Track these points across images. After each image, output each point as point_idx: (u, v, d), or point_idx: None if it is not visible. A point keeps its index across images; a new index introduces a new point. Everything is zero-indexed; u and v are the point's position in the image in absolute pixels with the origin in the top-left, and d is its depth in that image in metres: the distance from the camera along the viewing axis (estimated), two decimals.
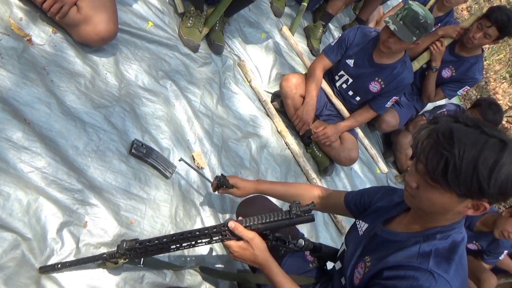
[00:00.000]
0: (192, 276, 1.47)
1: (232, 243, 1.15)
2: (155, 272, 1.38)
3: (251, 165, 2.05)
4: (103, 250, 1.29)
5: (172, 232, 1.44)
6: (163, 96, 1.83)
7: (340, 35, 2.41)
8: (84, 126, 1.46)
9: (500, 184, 0.90)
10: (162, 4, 2.11)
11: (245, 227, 1.14)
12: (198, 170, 1.66)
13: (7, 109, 1.27)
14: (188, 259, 1.53)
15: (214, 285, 1.51)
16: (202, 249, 1.57)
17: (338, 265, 1.31)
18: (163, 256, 1.43)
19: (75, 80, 1.54)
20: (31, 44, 1.47)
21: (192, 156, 1.79)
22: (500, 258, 2.71)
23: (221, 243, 1.20)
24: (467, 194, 0.93)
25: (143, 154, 1.58)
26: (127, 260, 1.20)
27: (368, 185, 2.78)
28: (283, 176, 2.21)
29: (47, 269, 1.16)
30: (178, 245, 1.19)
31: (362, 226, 1.25)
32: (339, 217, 2.39)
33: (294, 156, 2.38)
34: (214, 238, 1.17)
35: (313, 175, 2.38)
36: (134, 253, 1.18)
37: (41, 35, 1.52)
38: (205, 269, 1.44)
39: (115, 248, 1.20)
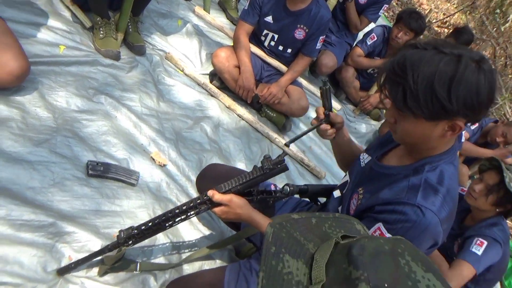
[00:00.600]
0: (190, 265, 1.50)
1: (217, 210, 1.20)
2: (154, 273, 1.41)
3: (211, 146, 2.08)
4: (96, 268, 1.30)
5: None
6: (101, 112, 1.82)
7: None
8: (32, 165, 1.44)
9: (463, 99, 0.89)
10: (67, 25, 2.06)
11: (225, 191, 1.19)
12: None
13: None
14: (182, 252, 1.56)
15: (213, 265, 1.56)
16: (190, 236, 1.60)
17: (337, 193, 1.36)
18: (158, 258, 1.46)
19: (6, 126, 1.50)
20: None
21: (151, 157, 1.80)
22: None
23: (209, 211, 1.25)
24: (434, 116, 0.93)
25: (102, 171, 1.58)
26: (129, 246, 1.27)
27: None
28: (246, 145, 2.26)
29: (64, 270, 1.24)
30: (172, 222, 1.25)
31: (365, 158, 1.28)
32: (312, 163, 2.47)
33: (250, 125, 2.42)
34: (201, 209, 1.22)
35: (274, 135, 2.44)
36: (133, 238, 1.25)
37: None
38: (211, 246, 1.46)
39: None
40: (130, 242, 1.28)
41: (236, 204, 1.19)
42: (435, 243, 1.04)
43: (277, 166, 1.19)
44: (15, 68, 1.53)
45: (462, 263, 1.72)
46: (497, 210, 1.82)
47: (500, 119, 3.62)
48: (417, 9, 6.71)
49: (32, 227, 1.27)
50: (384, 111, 2.54)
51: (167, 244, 1.52)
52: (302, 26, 2.43)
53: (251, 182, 1.20)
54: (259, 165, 1.20)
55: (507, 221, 1.99)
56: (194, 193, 1.78)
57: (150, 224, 1.26)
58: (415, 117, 0.96)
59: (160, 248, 1.50)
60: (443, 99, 0.90)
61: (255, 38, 2.59)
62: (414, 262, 0.55)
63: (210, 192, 1.19)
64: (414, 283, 0.53)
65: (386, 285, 0.52)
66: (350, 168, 1.36)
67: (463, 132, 2.82)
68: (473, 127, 3.18)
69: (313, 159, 2.60)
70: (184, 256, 1.51)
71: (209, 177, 1.54)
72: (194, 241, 1.60)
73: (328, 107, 1.34)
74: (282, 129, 2.56)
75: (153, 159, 1.79)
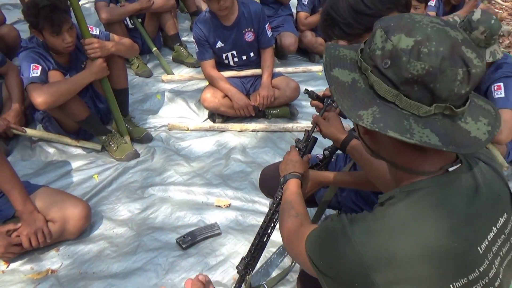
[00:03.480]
0: None
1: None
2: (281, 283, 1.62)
3: (251, 167, 2.29)
4: None
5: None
6: (157, 200, 2.07)
7: (193, 38, 2.67)
8: (143, 269, 1.70)
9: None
10: (86, 159, 2.35)
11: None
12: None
13: None
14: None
15: None
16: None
17: None
18: (274, 271, 1.68)
19: (104, 257, 1.76)
20: None
21: (216, 205, 2.03)
22: None
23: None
24: (366, 30, 1.13)
25: (191, 239, 1.82)
26: (251, 274, 1.51)
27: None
28: (275, 148, 2.46)
29: None
30: (267, 235, 1.48)
31: None
32: None
33: (266, 131, 2.63)
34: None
35: (289, 125, 2.65)
36: (249, 265, 1.49)
37: None
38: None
39: None
40: (249, 269, 1.50)
41: (307, 173, 1.37)
42: None
43: (308, 141, 1.42)
44: (81, 212, 1.80)
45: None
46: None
47: None
48: None
49: None
50: None
51: (277, 259, 1.73)
52: (246, 29, 2.65)
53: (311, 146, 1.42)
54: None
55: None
56: (265, 207, 2.00)
57: (253, 247, 1.48)
58: (367, 33, 1.12)
59: (269, 263, 1.71)
60: (366, 10, 1.12)
61: (221, 65, 2.82)
62: None
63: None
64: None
65: (391, 24, 0.68)
66: None
67: (429, 13, 2.99)
68: (432, 4, 3.32)
69: None
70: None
71: (269, 178, 1.73)
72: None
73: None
74: (292, 116, 2.77)
75: (219, 206, 2.03)
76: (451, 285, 0.69)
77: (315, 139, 1.43)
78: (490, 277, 0.73)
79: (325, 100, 1.45)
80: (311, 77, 3.23)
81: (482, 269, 0.71)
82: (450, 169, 0.74)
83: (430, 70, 0.64)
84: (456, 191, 0.72)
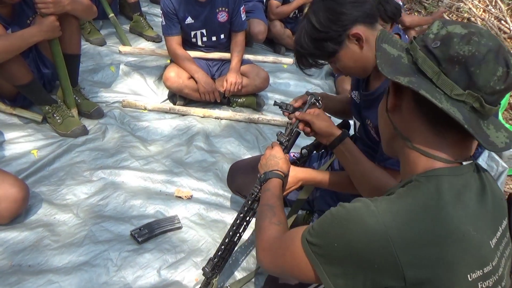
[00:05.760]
0: None
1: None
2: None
3: (215, 156, 2.13)
4: None
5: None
6: (108, 185, 1.83)
7: (161, 10, 2.43)
8: (90, 263, 1.47)
9: (327, 18, 1.14)
10: (23, 130, 2.03)
11: None
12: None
13: None
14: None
15: None
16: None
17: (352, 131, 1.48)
18: (240, 273, 1.55)
19: (42, 247, 1.51)
20: None
21: (176, 196, 1.85)
22: None
23: None
24: (336, 43, 1.15)
25: (148, 233, 1.62)
26: (217, 277, 1.38)
27: (292, 83, 2.98)
28: (240, 138, 2.32)
29: None
30: (238, 234, 1.35)
31: (356, 95, 1.39)
32: None
33: (230, 120, 2.48)
34: (255, 207, 1.30)
35: (255, 116, 2.51)
36: (217, 267, 1.36)
37: None
38: None
39: None
40: (216, 271, 1.37)
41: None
42: None
43: (291, 135, 1.31)
44: (17, 193, 1.52)
45: None
46: None
47: None
48: None
49: None
50: None
51: (240, 257, 1.61)
52: (220, 8, 2.47)
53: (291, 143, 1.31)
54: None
55: None
56: (230, 202, 1.86)
57: (222, 247, 1.34)
58: (334, 56, 1.19)
59: (234, 264, 1.58)
60: (322, 35, 1.15)
61: (187, 43, 2.61)
62: None
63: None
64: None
65: (449, 21, 0.72)
66: (352, 111, 1.48)
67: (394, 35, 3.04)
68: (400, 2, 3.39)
69: None
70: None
71: (239, 174, 1.62)
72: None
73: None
74: (258, 107, 2.64)
75: (179, 197, 1.85)
76: (468, 275, 0.68)
77: (298, 133, 1.33)
78: (499, 274, 0.73)
79: (308, 98, 1.37)
80: (277, 68, 3.12)
81: (494, 263, 0.72)
82: (465, 163, 0.76)
83: (476, 54, 0.67)
84: (470, 185, 0.74)
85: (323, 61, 1.25)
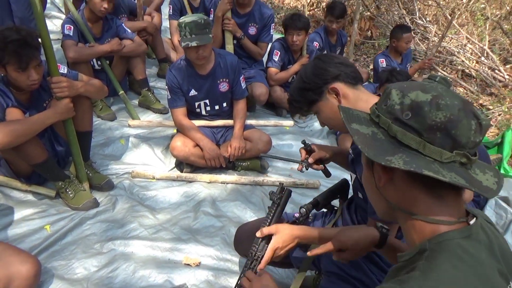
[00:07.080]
0: None
1: (270, 247, 1.28)
2: None
3: (222, 221, 2.17)
4: None
5: None
6: (118, 256, 1.86)
7: (166, 85, 2.61)
8: None
9: (311, 79, 1.37)
10: (36, 206, 2.11)
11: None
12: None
13: None
14: None
15: None
16: None
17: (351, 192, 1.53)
18: None
19: None
20: None
21: (185, 264, 1.86)
22: None
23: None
24: (316, 96, 1.36)
25: None
26: None
27: (294, 144, 3.08)
28: (246, 201, 2.36)
29: None
30: None
31: (351, 152, 1.46)
32: (303, 180, 2.64)
33: (236, 183, 2.55)
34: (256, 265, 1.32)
35: (260, 178, 2.58)
36: None
37: None
38: None
39: None
40: None
41: (283, 226, 1.30)
42: None
43: (282, 193, 1.38)
44: (29, 270, 1.55)
45: None
46: None
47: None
48: (286, 8, 7.35)
49: None
50: None
51: None
52: (221, 80, 2.64)
53: (274, 218, 1.37)
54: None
55: None
56: (238, 266, 1.86)
57: None
58: (314, 104, 1.38)
59: None
60: (306, 85, 1.36)
61: (192, 113, 2.75)
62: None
63: (258, 233, 1.30)
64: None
65: (405, 86, 0.77)
66: (349, 166, 1.55)
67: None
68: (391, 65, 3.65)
69: (302, 176, 2.76)
70: None
71: (245, 237, 1.64)
72: None
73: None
74: (262, 170, 2.72)
75: (188, 264, 1.86)
76: None
77: (290, 192, 1.41)
78: None
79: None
80: (279, 131, 3.24)
81: None
82: (471, 222, 0.77)
83: (451, 117, 0.71)
84: (481, 245, 0.74)
85: (307, 109, 1.42)
